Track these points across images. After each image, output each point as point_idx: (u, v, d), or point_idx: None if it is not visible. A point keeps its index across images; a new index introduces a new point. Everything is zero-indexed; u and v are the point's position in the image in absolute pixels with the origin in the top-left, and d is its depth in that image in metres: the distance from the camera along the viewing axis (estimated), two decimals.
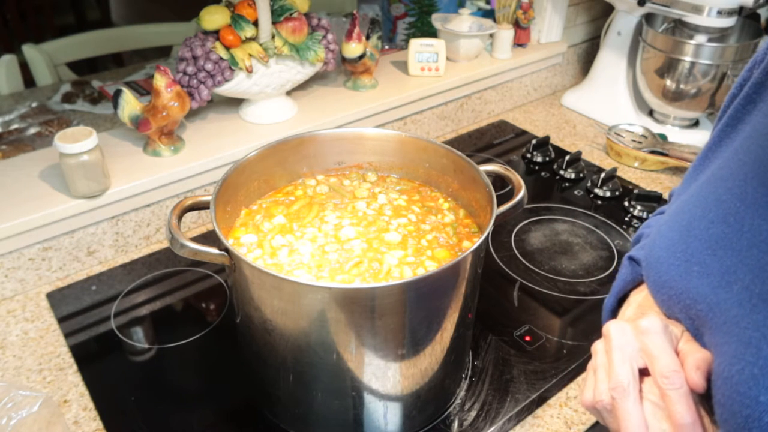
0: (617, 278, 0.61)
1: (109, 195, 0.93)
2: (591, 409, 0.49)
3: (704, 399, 0.43)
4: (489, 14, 1.45)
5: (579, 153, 1.25)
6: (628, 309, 0.57)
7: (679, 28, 1.28)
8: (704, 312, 0.44)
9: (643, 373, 0.46)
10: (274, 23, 1.02)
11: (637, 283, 0.59)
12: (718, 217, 0.46)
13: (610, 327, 0.49)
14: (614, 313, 0.61)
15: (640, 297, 0.56)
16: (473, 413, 0.75)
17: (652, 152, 1.25)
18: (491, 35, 1.38)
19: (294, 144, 0.79)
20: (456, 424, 0.74)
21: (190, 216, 1.06)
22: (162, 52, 1.92)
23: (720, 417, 0.40)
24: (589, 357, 0.83)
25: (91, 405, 0.76)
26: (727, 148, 0.52)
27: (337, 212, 0.77)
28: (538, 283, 0.95)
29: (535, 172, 1.25)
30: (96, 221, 0.95)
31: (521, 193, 0.70)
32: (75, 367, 0.81)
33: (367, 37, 1.19)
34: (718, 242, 0.45)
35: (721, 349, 0.41)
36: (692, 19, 1.21)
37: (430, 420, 0.74)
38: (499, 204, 0.67)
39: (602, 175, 1.17)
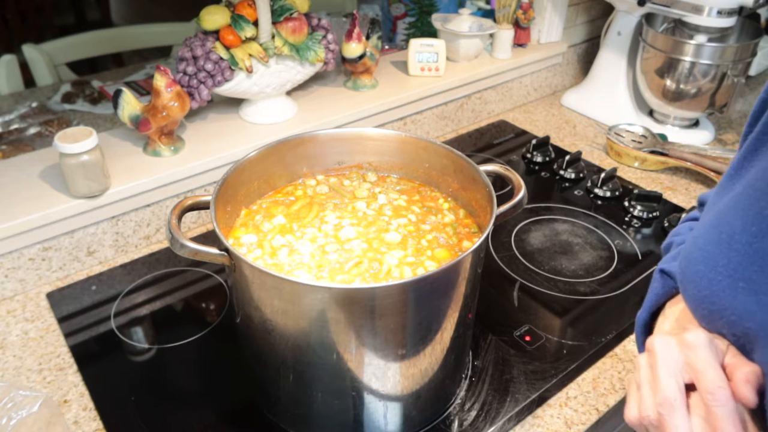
0: (649, 291, 0.59)
1: (109, 195, 0.93)
2: (636, 425, 0.48)
3: (755, 413, 0.43)
4: (489, 14, 1.45)
5: (579, 153, 1.25)
6: (665, 322, 0.56)
7: (679, 28, 1.28)
8: (754, 330, 0.43)
9: (690, 388, 0.45)
10: (274, 23, 1.02)
11: (669, 296, 0.57)
12: (762, 231, 0.44)
13: (654, 341, 0.47)
14: (647, 327, 0.60)
15: (677, 310, 0.55)
16: (473, 413, 0.75)
17: (652, 152, 1.25)
18: (491, 35, 1.38)
19: (294, 144, 0.79)
20: (456, 424, 0.74)
21: (190, 216, 1.06)
22: (162, 52, 1.92)
23: None
24: (591, 357, 0.84)
25: (91, 405, 0.76)
26: (764, 156, 0.50)
27: (337, 212, 0.77)
28: (538, 283, 0.95)
29: (535, 172, 1.25)
30: (96, 221, 0.95)
31: (521, 193, 0.70)
32: (75, 367, 0.81)
33: (367, 37, 1.19)
34: (765, 258, 0.43)
35: None
36: (692, 19, 1.21)
37: (430, 420, 0.74)
38: (499, 204, 0.67)
39: (602, 175, 1.17)
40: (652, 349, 0.48)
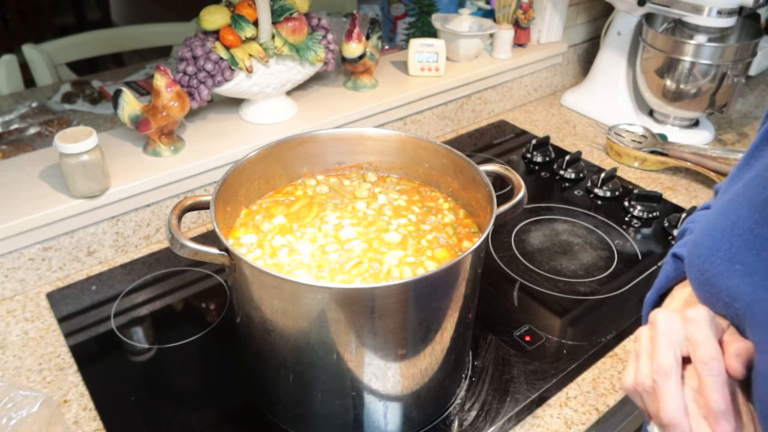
0: (660, 274, 0.61)
1: (109, 195, 0.93)
2: (631, 392, 0.50)
3: (744, 386, 0.44)
4: (489, 14, 1.45)
5: (579, 153, 1.25)
6: (672, 303, 0.58)
7: (679, 28, 1.28)
8: (742, 310, 0.45)
9: (687, 362, 0.47)
10: (274, 23, 1.02)
11: (679, 279, 0.59)
12: (764, 218, 0.46)
13: (657, 314, 0.49)
14: (654, 308, 0.61)
15: (685, 293, 0.57)
16: (473, 413, 0.75)
17: (652, 152, 1.25)
18: (491, 35, 1.38)
19: (294, 144, 0.79)
20: (456, 424, 0.74)
21: (190, 216, 1.06)
22: (162, 52, 1.92)
23: (760, 413, 0.41)
24: (591, 357, 0.84)
25: (91, 405, 0.76)
26: None
27: (337, 212, 0.77)
28: (538, 283, 0.95)
29: (535, 172, 1.25)
30: (96, 221, 0.95)
31: (521, 193, 0.70)
32: (75, 367, 0.81)
33: (367, 37, 1.19)
34: (763, 243, 0.45)
35: (762, 347, 0.42)
36: (692, 19, 1.21)
37: (430, 420, 0.74)
38: (499, 204, 0.67)
39: (602, 175, 1.17)
40: (654, 322, 0.49)
